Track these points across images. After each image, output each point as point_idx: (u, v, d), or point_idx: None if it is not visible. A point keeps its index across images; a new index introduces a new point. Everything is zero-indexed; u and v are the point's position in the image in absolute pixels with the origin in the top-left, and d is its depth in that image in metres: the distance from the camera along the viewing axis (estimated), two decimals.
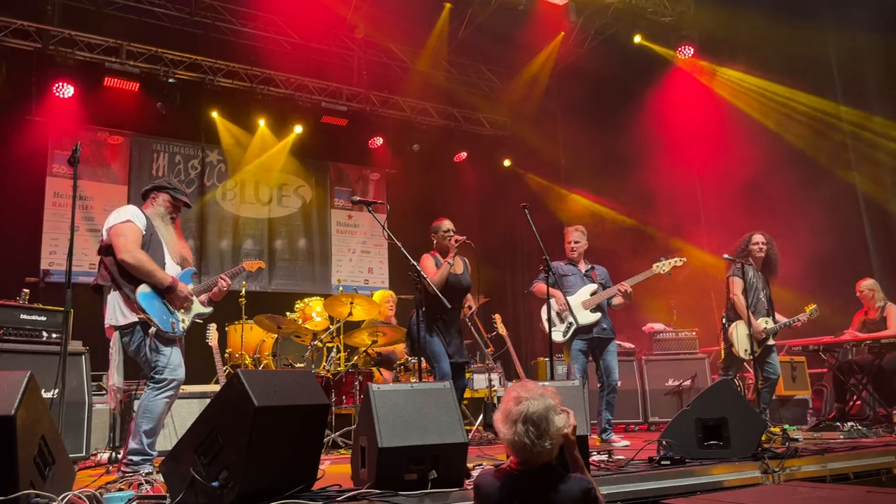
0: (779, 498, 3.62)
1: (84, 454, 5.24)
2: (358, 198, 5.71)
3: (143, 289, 4.22)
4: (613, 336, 6.24)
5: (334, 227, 11.60)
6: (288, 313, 7.50)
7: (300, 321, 7.40)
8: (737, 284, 6.33)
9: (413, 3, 9.68)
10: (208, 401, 3.40)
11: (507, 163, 12.18)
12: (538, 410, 2.67)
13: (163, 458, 3.39)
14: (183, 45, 9.87)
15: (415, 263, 4.99)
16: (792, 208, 8.14)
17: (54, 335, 5.46)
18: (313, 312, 7.53)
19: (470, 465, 3.80)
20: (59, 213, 9.38)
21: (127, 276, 4.22)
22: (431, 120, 11.73)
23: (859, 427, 5.91)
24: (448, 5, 10.02)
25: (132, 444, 4.12)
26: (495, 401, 7.56)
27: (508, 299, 11.84)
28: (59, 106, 9.23)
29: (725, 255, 6.35)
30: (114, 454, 5.32)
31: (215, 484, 3.00)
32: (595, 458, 4.43)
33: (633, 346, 8.48)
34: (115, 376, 4.30)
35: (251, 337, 7.60)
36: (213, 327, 7.10)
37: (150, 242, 4.36)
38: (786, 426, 6.05)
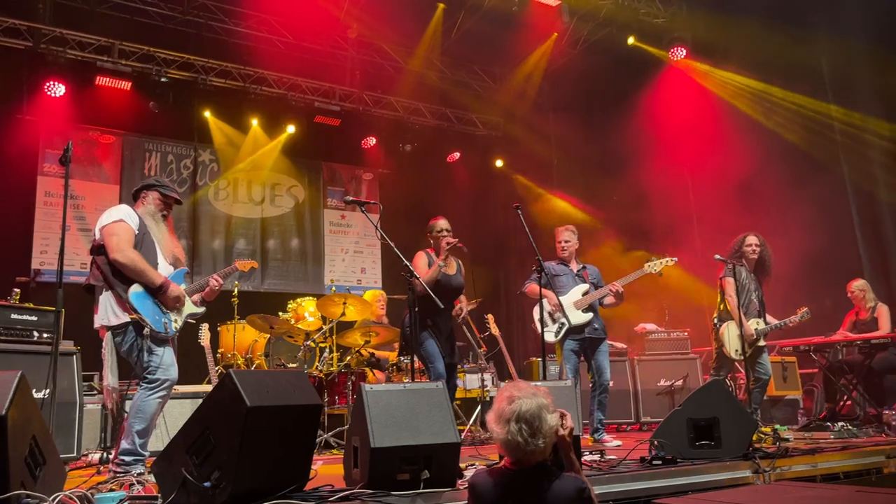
0: (769, 498, 3.63)
1: (75, 454, 5.22)
2: (351, 198, 5.70)
3: (135, 289, 4.21)
4: (605, 336, 6.26)
5: (327, 227, 11.59)
6: (280, 313, 7.49)
7: (293, 321, 7.39)
8: (731, 286, 6.36)
9: (406, 3, 9.68)
10: (200, 401, 3.39)
11: (499, 163, 12.19)
12: (531, 409, 2.68)
13: (155, 458, 3.38)
14: (175, 45, 9.84)
15: (408, 263, 4.99)
16: (783, 209, 8.19)
17: (45, 335, 5.44)
18: (306, 312, 7.52)
19: (462, 466, 3.81)
20: (51, 212, 9.33)
21: (119, 276, 4.21)
22: (424, 120, 11.73)
23: (849, 427, 5.95)
24: (441, 5, 10.02)
25: (124, 444, 4.11)
26: (488, 399, 7.58)
27: (501, 299, 11.85)
28: (50, 105, 9.18)
29: (717, 256, 6.37)
30: (105, 454, 5.30)
31: (207, 484, 3.00)
32: (587, 457, 4.44)
33: (625, 346, 8.51)
34: (109, 376, 4.28)
35: (243, 337, 7.59)
36: (205, 327, 7.08)
37: (142, 242, 4.35)
38: (777, 426, 6.08)
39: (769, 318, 6.44)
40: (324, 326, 7.34)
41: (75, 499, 3.16)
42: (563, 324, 6.09)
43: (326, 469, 4.68)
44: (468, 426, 7.25)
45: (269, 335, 7.25)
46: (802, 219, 7.94)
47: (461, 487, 3.47)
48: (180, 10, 9.80)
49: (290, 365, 7.20)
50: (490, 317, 8.17)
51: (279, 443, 3.21)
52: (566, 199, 11.13)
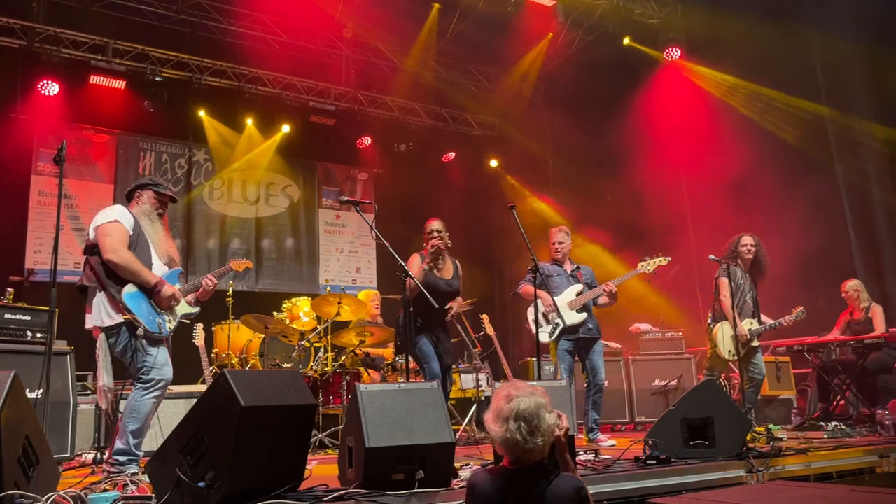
0: (763, 497, 3.64)
1: (69, 455, 5.21)
2: (346, 197, 5.72)
3: (129, 289, 4.20)
4: (599, 336, 6.27)
5: (322, 226, 11.57)
6: (275, 313, 7.49)
7: (287, 321, 7.39)
8: (725, 286, 6.38)
9: (401, 2, 9.68)
10: (195, 401, 3.38)
11: (493, 163, 12.20)
12: (529, 407, 2.69)
13: (149, 458, 3.38)
14: (170, 44, 9.81)
15: (402, 263, 4.99)
16: (777, 208, 8.22)
17: (39, 335, 5.42)
18: (301, 312, 7.52)
19: (457, 465, 3.81)
20: (44, 211, 9.30)
21: (113, 277, 4.20)
22: (420, 120, 11.73)
23: (843, 427, 5.98)
24: (437, 5, 10.02)
25: (118, 444, 4.10)
26: (483, 399, 7.58)
27: (496, 299, 11.86)
28: (44, 104, 9.16)
29: (711, 257, 6.38)
30: (99, 455, 5.28)
31: (201, 484, 2.99)
32: (582, 457, 4.45)
33: (619, 346, 8.52)
34: (104, 377, 4.27)
35: (238, 337, 7.58)
36: (199, 327, 7.07)
37: (137, 242, 4.34)
38: (770, 426, 6.10)
39: (764, 317, 6.46)
40: (318, 326, 7.33)
41: (69, 499, 3.15)
42: (557, 324, 6.10)
43: (321, 469, 4.67)
44: (463, 426, 7.25)
45: (263, 335, 7.24)
46: (796, 218, 7.97)
47: (456, 487, 3.47)
48: (175, 8, 9.78)
49: (285, 365, 7.19)
50: (485, 317, 8.18)
51: (274, 443, 3.20)
52: (545, 201, 11.19)
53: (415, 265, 5.66)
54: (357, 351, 6.96)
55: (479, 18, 10.07)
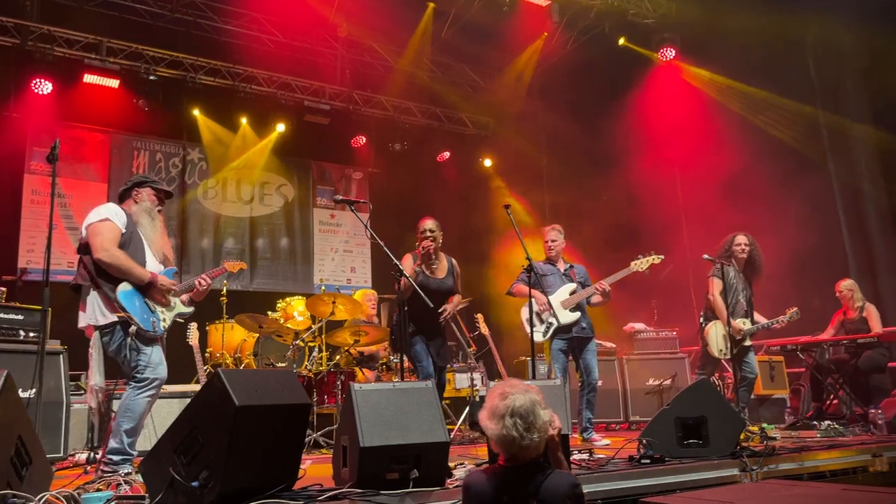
0: (756, 496, 3.65)
1: (62, 454, 5.19)
2: (340, 197, 5.71)
3: (123, 287, 4.18)
4: (593, 335, 6.27)
5: (317, 226, 11.56)
6: (269, 312, 7.47)
7: (282, 320, 7.37)
8: (716, 285, 6.40)
9: (396, 2, 9.67)
10: (189, 400, 3.38)
11: (487, 163, 12.21)
12: (525, 404, 2.71)
13: (142, 458, 3.37)
14: (164, 42, 9.79)
15: (397, 262, 4.98)
16: (771, 207, 8.25)
17: (32, 334, 5.41)
18: (295, 312, 7.51)
19: (452, 465, 3.81)
20: (37, 210, 9.27)
21: (106, 275, 4.18)
22: (414, 119, 11.73)
23: (836, 426, 6.00)
24: (431, 5, 10.03)
25: (112, 444, 4.09)
26: (477, 399, 7.58)
27: (491, 299, 11.85)
28: (37, 102, 9.12)
29: (705, 256, 6.40)
30: (92, 454, 5.27)
31: (195, 484, 2.99)
32: (576, 456, 4.45)
33: (614, 345, 8.53)
34: (95, 376, 4.26)
35: (232, 336, 7.56)
36: (193, 326, 7.06)
37: (129, 241, 4.32)
38: (764, 425, 6.10)
39: (758, 317, 6.47)
40: (313, 326, 7.32)
41: (62, 499, 3.14)
42: (550, 323, 6.10)
43: (315, 468, 4.67)
44: (457, 425, 7.25)
45: (257, 334, 7.23)
46: (790, 217, 8.00)
47: (450, 486, 3.47)
48: (169, 7, 9.75)
49: (279, 364, 7.18)
50: (479, 316, 8.18)
51: (268, 442, 3.20)
52: (518, 200, 11.24)
53: (407, 266, 5.65)
54: (351, 350, 6.95)
55: (473, 18, 10.07)
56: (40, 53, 8.97)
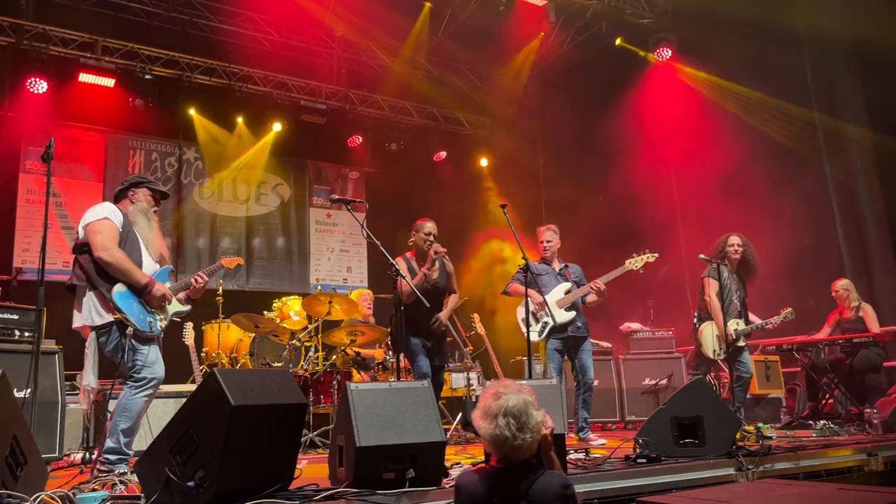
0: (752, 495, 3.66)
1: (57, 454, 5.17)
2: (337, 196, 5.69)
3: (119, 288, 4.17)
4: (588, 335, 6.27)
5: (313, 225, 11.55)
6: (266, 312, 7.47)
7: (278, 320, 7.37)
8: (711, 286, 6.42)
9: (393, 2, 9.67)
10: (184, 400, 3.37)
11: (484, 162, 12.22)
12: (517, 404, 2.71)
13: (138, 458, 3.36)
14: (160, 42, 9.76)
15: (393, 262, 4.98)
16: (767, 207, 8.25)
17: (27, 334, 5.38)
18: (291, 311, 7.50)
19: (448, 464, 3.81)
20: (32, 210, 9.24)
21: (103, 275, 4.17)
22: (411, 119, 11.73)
23: (831, 425, 6.01)
24: (428, 4, 10.02)
25: (109, 443, 4.08)
26: (473, 399, 7.58)
27: (487, 298, 11.86)
28: (32, 102, 9.09)
29: (701, 256, 6.41)
30: (87, 454, 5.25)
31: (191, 484, 2.98)
32: (572, 456, 4.45)
33: (610, 345, 8.54)
34: (88, 376, 4.24)
35: (228, 336, 7.55)
36: (189, 326, 7.05)
37: (126, 240, 4.31)
38: (760, 424, 6.12)
39: (752, 317, 6.48)
40: (309, 325, 7.32)
41: (57, 499, 3.13)
42: (546, 323, 6.10)
43: (311, 468, 4.67)
44: (454, 425, 7.25)
45: (254, 334, 7.22)
46: (786, 217, 8.02)
47: (446, 486, 3.47)
48: (165, 6, 9.73)
49: (275, 364, 7.18)
50: (476, 316, 8.18)
51: (264, 442, 3.19)
52: (514, 199, 11.26)
53: (402, 269, 5.62)
54: (348, 350, 6.95)
55: (470, 17, 10.07)
56: (36, 52, 8.95)
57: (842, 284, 7.34)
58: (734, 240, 6.51)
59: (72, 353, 5.51)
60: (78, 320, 4.24)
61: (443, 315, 5.76)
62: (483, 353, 8.10)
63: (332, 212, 11.70)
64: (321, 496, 3.23)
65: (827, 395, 7.15)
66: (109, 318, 4.15)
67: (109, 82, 9.44)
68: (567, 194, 10.83)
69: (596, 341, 8.16)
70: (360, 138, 11.49)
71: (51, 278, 7.77)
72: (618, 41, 9.92)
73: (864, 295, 7.44)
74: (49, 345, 5.40)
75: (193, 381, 6.94)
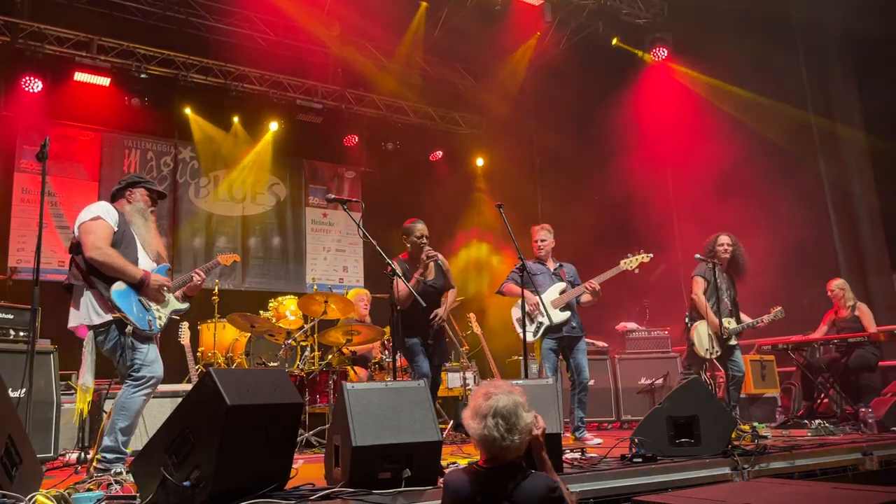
0: (747, 494, 3.67)
1: (52, 454, 5.17)
2: (333, 196, 5.71)
3: (117, 287, 4.17)
4: (583, 334, 6.27)
5: (309, 225, 11.54)
6: (262, 312, 7.46)
7: (274, 320, 7.36)
8: (698, 284, 6.46)
9: (389, 1, 9.66)
10: (180, 400, 3.36)
11: (480, 162, 12.22)
12: (507, 405, 2.72)
13: (134, 457, 3.35)
14: (156, 41, 9.74)
15: (390, 262, 4.97)
16: (763, 207, 8.27)
17: (22, 333, 5.38)
18: (287, 311, 7.49)
19: (444, 464, 3.81)
20: (28, 209, 9.21)
21: (99, 275, 4.16)
22: (407, 118, 11.72)
23: (826, 424, 6.02)
24: (424, 4, 10.01)
25: (107, 442, 4.07)
26: (464, 401, 7.58)
27: (483, 298, 11.86)
28: (27, 100, 9.07)
29: (697, 256, 6.43)
30: (83, 454, 5.24)
31: (186, 483, 2.98)
32: (568, 455, 4.46)
33: (606, 344, 8.55)
34: (85, 376, 4.24)
35: (224, 336, 7.54)
36: (185, 326, 7.04)
37: (122, 239, 4.31)
38: (755, 424, 6.13)
39: (743, 317, 6.50)
40: (305, 325, 7.31)
41: (52, 499, 3.12)
42: (540, 323, 6.09)
43: (307, 468, 4.66)
44: (450, 425, 7.25)
45: (249, 334, 7.22)
46: (781, 217, 8.04)
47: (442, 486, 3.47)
48: (161, 5, 9.70)
49: (271, 364, 7.16)
50: (472, 315, 8.18)
51: (259, 442, 3.19)
52: (510, 198, 11.29)
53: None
54: (344, 350, 6.94)
55: (466, 17, 10.07)
56: (30, 51, 8.92)
57: (837, 284, 7.36)
58: (724, 239, 6.53)
59: (67, 352, 5.50)
60: (74, 319, 4.23)
61: (442, 311, 5.76)
62: (479, 352, 8.10)
63: (328, 211, 11.69)
64: (317, 496, 3.23)
65: (822, 395, 7.16)
66: (108, 316, 4.14)
67: (105, 81, 9.42)
68: (563, 193, 10.84)
69: (592, 341, 8.17)
70: (356, 138, 11.48)
71: (46, 278, 7.73)
72: (614, 41, 9.93)
73: (858, 294, 7.46)
74: (44, 344, 5.40)
75: (189, 381, 6.93)
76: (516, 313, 6.20)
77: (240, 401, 3.03)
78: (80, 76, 9.28)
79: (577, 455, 4.56)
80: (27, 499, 2.98)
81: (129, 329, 4.12)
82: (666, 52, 9.54)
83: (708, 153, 8.72)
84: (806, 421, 6.46)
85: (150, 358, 4.23)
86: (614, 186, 9.68)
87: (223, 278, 9.62)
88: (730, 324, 6.34)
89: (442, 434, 3.71)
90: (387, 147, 11.66)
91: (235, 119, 10.65)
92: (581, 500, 3.59)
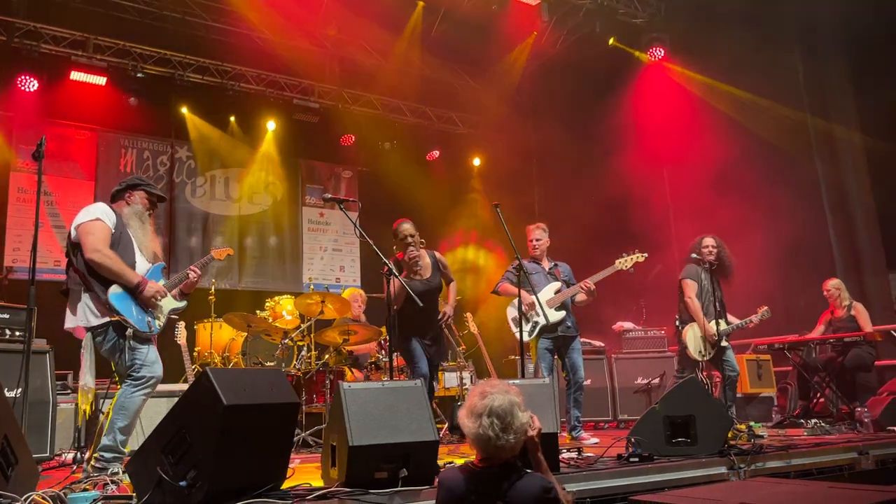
0: (744, 493, 3.67)
1: (48, 454, 5.16)
2: (329, 195, 5.68)
3: (114, 290, 4.16)
4: (578, 334, 6.27)
5: (305, 224, 11.53)
6: (258, 311, 7.45)
7: (270, 319, 7.35)
8: (691, 288, 6.46)
9: (386, 1, 9.64)
10: (176, 399, 3.36)
11: (477, 161, 12.22)
12: (503, 405, 2.71)
13: (130, 457, 3.35)
14: (152, 40, 9.72)
15: (387, 262, 4.96)
16: (759, 207, 8.28)
17: (17, 333, 5.36)
18: (284, 311, 7.48)
19: (441, 464, 3.81)
20: (23, 208, 9.19)
21: (97, 277, 4.16)
22: (404, 118, 11.72)
23: (823, 424, 6.04)
24: (421, 3, 10.00)
25: (105, 441, 4.08)
26: (459, 402, 7.58)
27: (480, 298, 11.87)
28: (23, 100, 9.05)
29: (693, 255, 6.44)
30: (79, 454, 5.23)
31: (183, 483, 2.97)
32: (565, 455, 4.46)
33: (602, 344, 8.55)
34: (86, 377, 4.24)
35: (220, 335, 7.53)
36: (181, 325, 7.03)
37: (119, 241, 4.31)
38: (751, 423, 6.14)
39: (730, 317, 6.52)
40: (302, 325, 7.30)
41: (48, 499, 3.11)
42: (536, 323, 6.09)
43: (304, 468, 4.66)
44: (446, 426, 7.25)
45: (246, 333, 7.21)
46: (777, 217, 8.04)
47: None
48: (157, 4, 9.68)
49: (268, 363, 7.16)
50: (469, 315, 8.18)
51: (256, 441, 3.19)
52: (507, 198, 11.30)
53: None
54: (341, 349, 6.94)
55: (463, 17, 10.06)
56: (26, 50, 8.90)
57: (833, 284, 7.38)
58: (708, 241, 6.54)
59: (63, 352, 5.49)
60: (71, 321, 4.23)
61: (449, 309, 5.76)
62: (476, 352, 8.10)
63: (324, 211, 11.68)
64: (314, 495, 3.23)
65: (818, 394, 7.18)
66: (106, 319, 4.14)
67: (101, 80, 9.39)
68: (560, 193, 10.85)
69: (588, 340, 8.18)
70: (353, 137, 11.47)
71: (42, 277, 7.74)
72: (611, 41, 9.93)
73: (854, 294, 7.48)
74: (40, 344, 5.39)
75: (185, 381, 6.92)
76: (511, 313, 6.20)
77: (236, 400, 3.02)
78: (76, 75, 9.25)
79: (574, 454, 4.56)
80: (23, 499, 2.97)
81: (129, 332, 4.13)
82: (663, 51, 9.55)
83: (705, 153, 8.73)
84: (802, 420, 6.48)
85: (151, 359, 4.24)
86: (611, 186, 9.68)
87: (219, 278, 9.61)
88: (720, 325, 6.36)
89: (439, 434, 3.70)
90: (384, 146, 11.66)
91: (232, 118, 10.64)
92: (577, 499, 3.60)
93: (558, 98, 10.62)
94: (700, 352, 6.34)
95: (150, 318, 4.28)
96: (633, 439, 4.47)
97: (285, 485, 3.43)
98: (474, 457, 2.86)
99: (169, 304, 4.49)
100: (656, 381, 8.05)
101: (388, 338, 6.15)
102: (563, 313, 6.13)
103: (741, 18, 8.44)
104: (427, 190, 11.50)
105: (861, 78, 8.20)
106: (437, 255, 5.90)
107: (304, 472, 4.21)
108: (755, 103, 8.64)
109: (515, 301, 5.79)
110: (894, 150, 7.89)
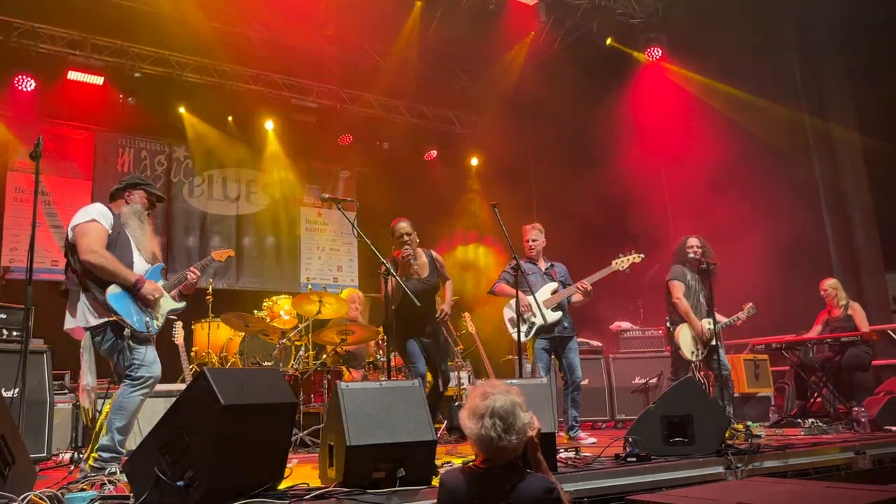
0: (741, 492, 3.68)
1: (45, 454, 5.14)
2: (327, 195, 5.70)
3: (112, 290, 4.16)
4: (574, 334, 6.27)
5: (303, 224, 11.52)
6: (256, 311, 7.45)
7: (268, 319, 7.35)
8: (678, 288, 6.48)
9: (384, 1, 9.64)
10: (174, 400, 3.36)
11: (474, 161, 12.22)
12: (505, 405, 2.71)
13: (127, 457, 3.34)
14: (150, 39, 9.69)
15: (384, 261, 4.97)
16: (757, 207, 8.29)
17: (14, 333, 5.36)
18: (281, 311, 7.49)
19: (438, 464, 3.81)
20: (21, 208, 9.18)
21: (94, 277, 4.16)
22: (402, 118, 11.71)
23: (820, 424, 6.05)
24: (419, 3, 10.00)
25: (103, 441, 4.08)
26: (463, 400, 7.57)
27: (478, 297, 11.86)
28: (20, 99, 9.03)
29: (690, 255, 6.44)
30: (76, 454, 5.23)
31: (181, 483, 2.97)
32: (562, 454, 4.46)
33: (600, 344, 8.56)
34: (87, 377, 4.24)
35: (218, 335, 7.53)
36: (179, 325, 7.02)
37: (116, 241, 4.30)
38: (749, 423, 6.15)
39: (718, 316, 6.53)
40: (299, 325, 7.30)
41: (45, 499, 3.11)
42: (533, 323, 6.09)
43: (302, 468, 4.66)
44: (444, 425, 7.25)
45: (244, 333, 7.20)
46: (775, 217, 8.04)
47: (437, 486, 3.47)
48: (155, 3, 9.64)
49: (265, 363, 7.16)
50: (467, 315, 8.18)
51: (254, 441, 3.18)
52: (505, 198, 11.29)
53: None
54: (338, 349, 6.93)
55: (461, 16, 10.05)
56: (24, 50, 8.88)
57: (830, 284, 7.39)
58: (693, 241, 6.56)
59: (60, 352, 5.48)
60: (70, 322, 4.24)
61: (446, 306, 5.77)
62: (474, 352, 8.10)
63: (322, 211, 11.68)
64: (311, 495, 3.23)
65: (815, 394, 7.19)
66: (104, 319, 4.15)
67: (98, 80, 9.37)
68: (557, 193, 10.84)
69: (586, 340, 8.18)
70: (351, 137, 11.46)
71: (39, 277, 7.72)
72: (608, 41, 9.94)
73: (851, 294, 7.49)
74: (37, 344, 5.38)
75: (183, 381, 6.92)
76: (508, 313, 6.20)
77: (234, 400, 3.02)
78: (73, 75, 9.23)
79: (572, 454, 4.57)
80: (20, 499, 2.97)
81: (126, 332, 4.13)
82: (660, 51, 9.55)
83: (702, 153, 8.73)
84: (799, 420, 6.49)
85: (150, 359, 4.24)
86: (609, 186, 9.68)
87: (217, 278, 9.60)
88: (709, 324, 6.37)
89: (436, 434, 3.70)
90: (381, 146, 11.65)
91: (230, 118, 10.62)
92: (575, 499, 3.60)
93: (556, 98, 10.62)
94: (692, 352, 6.35)
95: (148, 319, 4.28)
96: (630, 439, 4.48)
97: (283, 485, 3.43)
98: (474, 457, 2.86)
99: (167, 304, 4.49)
100: (654, 380, 8.05)
101: (385, 338, 6.15)
102: (559, 314, 6.13)
103: (738, 19, 8.45)
104: (425, 190, 11.51)
105: (859, 78, 8.22)
106: (434, 253, 5.91)
107: (302, 472, 4.20)
108: (753, 103, 8.64)
109: (512, 301, 5.79)
110: (892, 149, 7.91)
